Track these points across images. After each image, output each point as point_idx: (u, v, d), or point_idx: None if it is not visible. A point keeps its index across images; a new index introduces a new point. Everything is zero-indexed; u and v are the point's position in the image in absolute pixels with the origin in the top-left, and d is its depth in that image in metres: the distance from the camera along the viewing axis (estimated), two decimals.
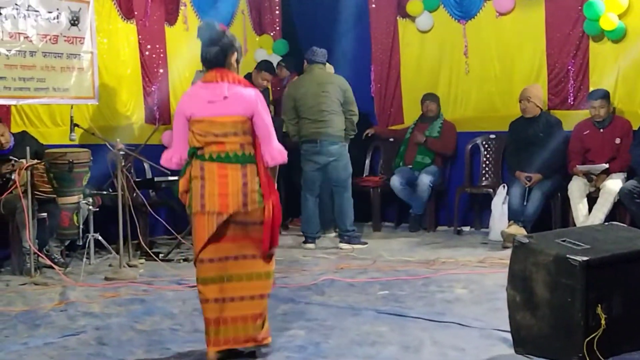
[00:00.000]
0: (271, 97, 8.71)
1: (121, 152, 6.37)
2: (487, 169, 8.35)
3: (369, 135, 8.75)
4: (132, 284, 5.93)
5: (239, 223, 3.95)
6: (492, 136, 8.31)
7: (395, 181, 8.24)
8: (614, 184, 6.95)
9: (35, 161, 6.25)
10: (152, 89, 8.18)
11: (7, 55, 7.05)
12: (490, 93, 8.35)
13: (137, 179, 7.28)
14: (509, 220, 7.30)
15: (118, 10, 7.92)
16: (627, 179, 7.00)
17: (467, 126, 8.44)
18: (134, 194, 6.95)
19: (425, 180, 8.12)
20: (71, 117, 6.69)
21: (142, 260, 6.80)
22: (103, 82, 7.78)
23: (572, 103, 7.78)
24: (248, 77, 7.86)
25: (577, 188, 7.18)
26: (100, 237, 6.62)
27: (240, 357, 4.04)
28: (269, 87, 8.68)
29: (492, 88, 8.33)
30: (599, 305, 3.61)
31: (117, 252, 6.39)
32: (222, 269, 3.95)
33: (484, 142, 8.36)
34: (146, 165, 7.74)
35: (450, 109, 8.56)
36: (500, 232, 7.25)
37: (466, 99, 8.54)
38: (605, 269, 3.68)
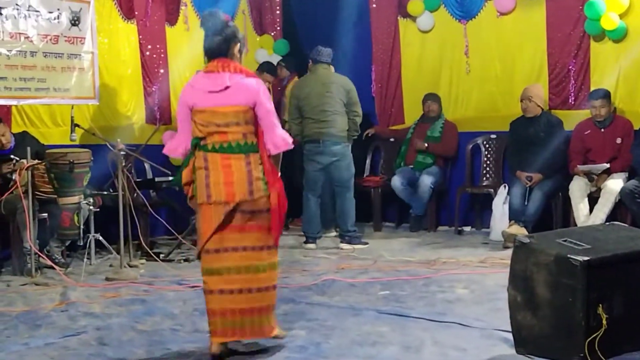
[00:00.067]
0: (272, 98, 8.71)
1: (122, 153, 6.37)
2: (488, 169, 8.34)
3: (369, 135, 8.75)
4: (133, 284, 5.92)
5: (245, 212, 3.96)
6: (493, 136, 8.30)
7: (396, 181, 8.23)
8: (615, 184, 6.94)
9: (36, 161, 6.25)
10: (153, 89, 8.18)
11: (7, 55, 7.05)
12: (491, 93, 8.35)
13: (137, 179, 7.29)
14: (510, 220, 7.29)
15: (119, 10, 7.92)
16: (628, 178, 6.99)
17: (467, 126, 8.43)
18: (135, 194, 6.95)
19: (426, 181, 8.11)
20: (72, 117, 6.69)
21: (143, 261, 6.79)
22: (104, 82, 7.78)
23: (573, 103, 7.78)
24: None
25: (578, 188, 7.17)
26: (100, 238, 6.62)
27: (241, 356, 4.03)
28: (270, 88, 8.68)
29: (493, 88, 8.33)
30: (600, 305, 3.60)
31: (118, 253, 6.39)
32: (227, 259, 3.94)
33: (484, 142, 8.36)
34: (147, 166, 7.75)
35: (451, 109, 8.56)
36: (501, 232, 7.25)
37: (467, 99, 8.53)
38: (606, 268, 3.67)
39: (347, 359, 3.97)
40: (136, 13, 8.03)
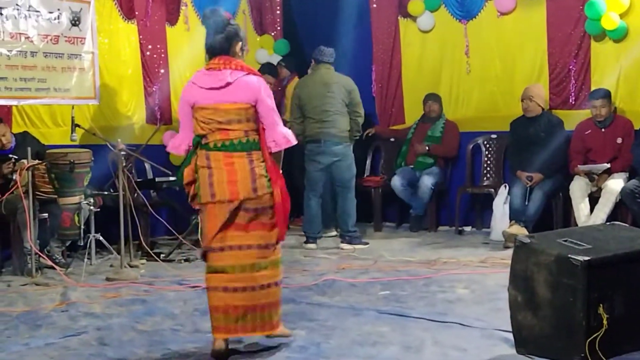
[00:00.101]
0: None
1: (122, 153, 6.37)
2: (488, 168, 8.34)
3: (370, 134, 8.75)
4: (133, 284, 5.92)
5: (249, 210, 3.96)
6: (494, 136, 8.30)
7: (396, 181, 8.23)
8: (615, 184, 6.94)
9: (37, 161, 6.25)
10: (153, 89, 8.18)
11: (8, 55, 7.06)
12: (492, 93, 8.34)
13: (138, 179, 7.29)
14: (511, 220, 7.29)
15: (119, 11, 7.92)
16: (629, 178, 6.99)
17: (468, 126, 8.43)
18: (135, 194, 6.95)
19: (427, 182, 8.10)
20: (72, 117, 6.68)
21: (143, 261, 6.79)
22: (104, 82, 7.78)
23: (573, 103, 7.77)
24: None
25: (578, 188, 7.17)
26: (101, 238, 6.62)
27: (242, 356, 4.04)
28: (271, 89, 8.67)
29: (493, 88, 8.33)
30: (601, 305, 3.60)
31: (118, 253, 6.39)
32: (231, 258, 3.95)
33: (485, 142, 8.36)
34: (147, 166, 7.75)
35: (451, 109, 8.56)
36: (501, 232, 7.25)
37: (467, 99, 8.53)
38: (607, 268, 3.67)
39: (348, 359, 3.97)
40: (136, 13, 8.03)
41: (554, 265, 3.68)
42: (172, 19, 8.43)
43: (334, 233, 7.99)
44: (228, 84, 3.98)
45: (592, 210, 7.06)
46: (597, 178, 7.13)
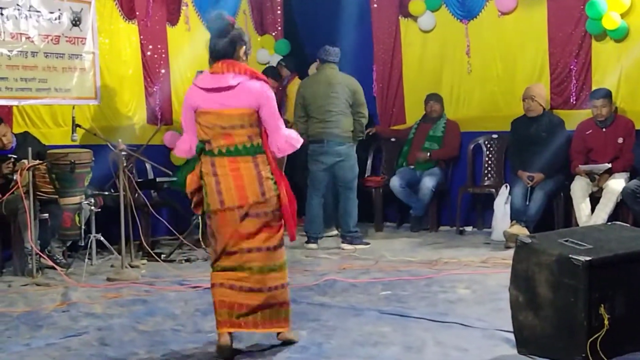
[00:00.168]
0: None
1: (123, 153, 6.37)
2: (489, 168, 8.34)
3: (370, 133, 8.74)
4: (134, 284, 5.92)
5: (259, 214, 3.96)
6: (495, 136, 8.29)
7: (395, 182, 8.22)
8: (616, 184, 6.93)
9: (37, 162, 6.25)
10: (154, 89, 8.17)
11: (8, 55, 7.06)
12: (493, 93, 8.33)
13: (138, 180, 7.29)
14: (512, 220, 7.28)
15: (120, 11, 7.92)
16: (630, 178, 6.98)
17: (469, 126, 8.42)
18: (136, 195, 6.95)
19: (428, 184, 8.09)
20: (73, 117, 6.68)
21: (144, 261, 6.79)
22: (105, 82, 7.78)
23: (574, 102, 7.76)
24: None
25: (579, 188, 7.16)
26: (102, 238, 6.62)
27: (242, 356, 4.03)
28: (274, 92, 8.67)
29: (494, 88, 8.32)
30: (602, 305, 3.60)
31: (119, 253, 6.38)
32: (239, 259, 3.97)
33: (486, 142, 8.35)
34: (148, 166, 7.75)
35: (452, 109, 8.55)
36: (502, 232, 7.24)
37: (468, 99, 8.52)
38: (608, 269, 3.67)
39: (349, 359, 3.97)
40: (137, 13, 8.02)
41: (555, 265, 3.68)
42: (173, 19, 8.42)
43: (335, 232, 7.99)
44: (230, 87, 3.96)
45: (593, 210, 7.05)
46: (598, 178, 7.12)
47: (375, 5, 8.94)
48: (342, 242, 7.46)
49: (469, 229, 8.30)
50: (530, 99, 7.49)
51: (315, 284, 5.73)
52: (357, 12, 8.92)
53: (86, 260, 6.40)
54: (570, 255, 3.63)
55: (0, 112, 6.86)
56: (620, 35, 7.40)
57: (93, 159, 6.43)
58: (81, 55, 7.59)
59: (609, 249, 3.79)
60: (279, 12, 9.63)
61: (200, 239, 6.94)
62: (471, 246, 7.33)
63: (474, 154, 8.39)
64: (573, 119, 7.54)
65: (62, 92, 7.44)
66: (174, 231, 7.14)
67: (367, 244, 7.47)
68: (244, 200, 3.94)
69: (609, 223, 4.83)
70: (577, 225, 6.93)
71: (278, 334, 4.12)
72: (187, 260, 6.83)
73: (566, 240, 3.81)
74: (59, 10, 7.41)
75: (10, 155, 6.42)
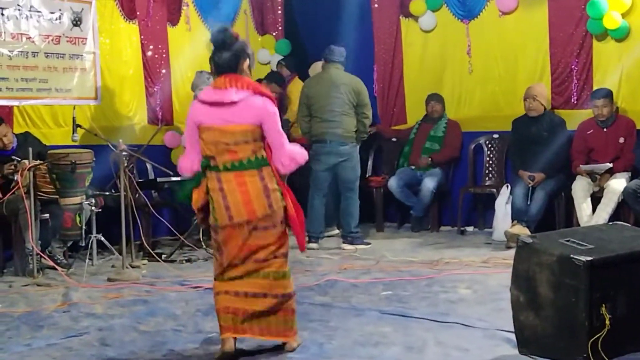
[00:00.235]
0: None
1: (124, 153, 6.37)
2: (490, 168, 8.33)
3: (370, 132, 8.71)
4: (135, 284, 5.92)
5: (263, 228, 3.96)
6: (496, 136, 8.29)
7: (393, 183, 8.20)
8: (618, 184, 6.93)
9: (38, 162, 6.26)
10: (155, 89, 8.18)
11: (9, 56, 7.06)
12: (494, 93, 8.33)
13: (139, 180, 7.28)
14: (513, 220, 7.28)
15: (120, 11, 7.92)
16: (631, 178, 6.98)
17: (470, 126, 8.41)
18: (137, 195, 6.95)
19: (428, 185, 8.07)
20: (73, 117, 6.69)
21: (145, 261, 6.79)
22: (105, 82, 7.78)
23: (575, 102, 7.76)
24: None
25: (580, 188, 7.16)
26: (102, 238, 6.62)
27: (243, 356, 4.03)
28: (278, 97, 8.66)
29: (495, 88, 8.31)
30: (603, 305, 3.60)
31: (120, 253, 6.38)
32: (245, 269, 3.97)
33: (487, 142, 8.35)
34: (149, 166, 7.75)
35: (453, 109, 8.54)
36: (503, 232, 7.24)
37: (469, 99, 8.51)
38: (609, 269, 3.66)
39: (350, 359, 3.98)
40: (138, 13, 8.02)
41: (556, 265, 3.67)
42: (174, 19, 8.42)
43: (336, 232, 7.99)
44: (233, 103, 3.93)
45: (594, 210, 7.04)
46: (600, 178, 7.11)
47: (376, 5, 8.94)
48: (343, 242, 7.46)
49: (470, 229, 8.29)
50: (531, 99, 7.49)
51: (316, 284, 5.73)
52: (358, 12, 8.91)
53: (87, 260, 6.40)
54: (571, 255, 3.63)
55: (1, 112, 6.86)
56: (621, 35, 7.39)
57: (94, 159, 6.43)
58: (82, 55, 7.59)
59: (610, 249, 3.79)
60: (279, 12, 9.62)
61: (202, 241, 6.95)
62: (472, 246, 7.33)
63: (475, 154, 8.38)
64: (574, 118, 7.53)
65: (62, 92, 7.45)
66: (175, 231, 7.13)
67: (368, 244, 7.46)
68: (252, 215, 3.93)
69: (610, 223, 4.83)
70: (578, 225, 6.92)
71: (284, 343, 4.11)
72: (187, 261, 6.83)
73: (567, 240, 3.80)
74: (60, 10, 7.41)
75: (13, 157, 6.41)
